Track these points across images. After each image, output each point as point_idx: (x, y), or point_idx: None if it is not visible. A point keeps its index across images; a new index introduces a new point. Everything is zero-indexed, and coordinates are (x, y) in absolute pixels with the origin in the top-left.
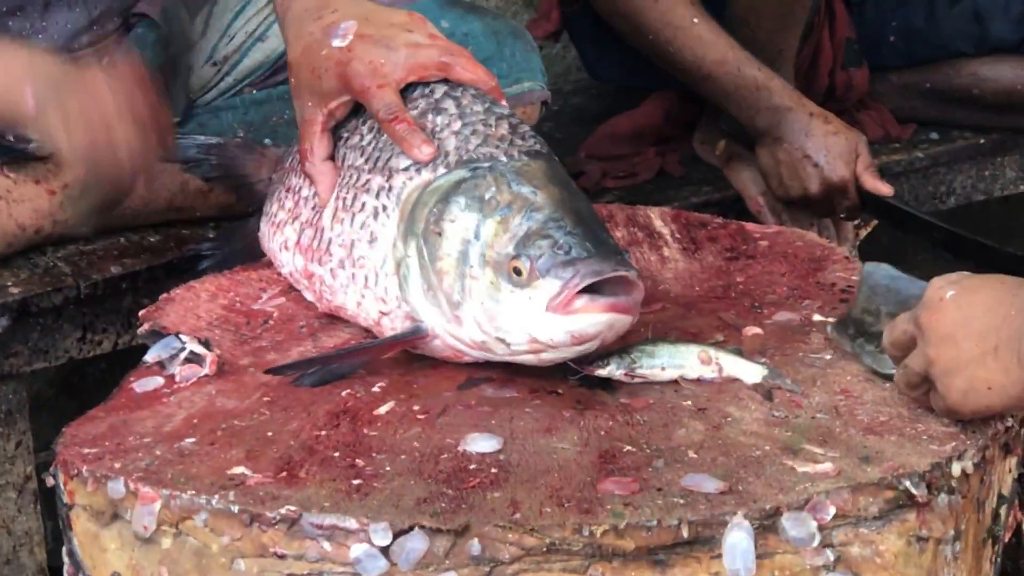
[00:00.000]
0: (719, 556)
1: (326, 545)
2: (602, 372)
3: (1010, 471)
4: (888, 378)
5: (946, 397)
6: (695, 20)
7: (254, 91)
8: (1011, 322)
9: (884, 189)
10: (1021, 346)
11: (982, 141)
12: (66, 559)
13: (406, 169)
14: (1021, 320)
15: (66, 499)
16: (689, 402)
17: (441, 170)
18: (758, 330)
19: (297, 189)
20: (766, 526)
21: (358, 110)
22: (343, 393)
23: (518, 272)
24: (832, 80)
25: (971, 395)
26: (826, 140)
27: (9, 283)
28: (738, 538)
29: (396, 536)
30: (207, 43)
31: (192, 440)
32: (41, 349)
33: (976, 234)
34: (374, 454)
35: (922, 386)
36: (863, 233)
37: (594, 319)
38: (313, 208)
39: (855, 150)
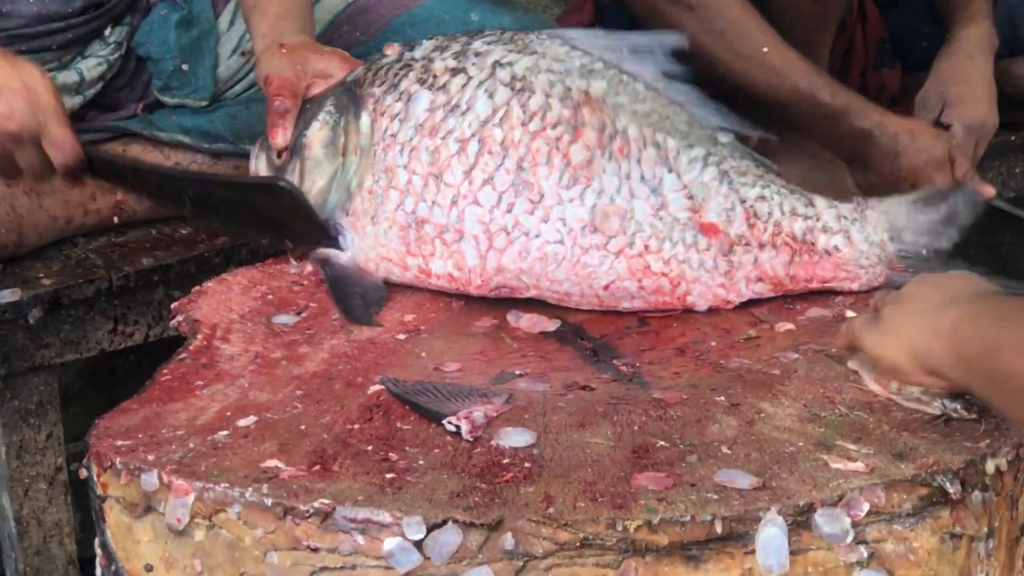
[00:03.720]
0: (752, 552)
1: (359, 539)
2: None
3: None
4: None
5: (870, 329)
6: (765, 49)
7: None
8: (950, 295)
9: (988, 191)
10: (942, 315)
11: (1012, 138)
12: (99, 551)
13: None
14: (959, 296)
15: (99, 491)
16: (722, 398)
17: None
18: (791, 326)
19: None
20: (800, 522)
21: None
22: (376, 387)
23: None
24: (864, 80)
25: (883, 337)
26: (917, 157)
27: (41, 275)
28: (771, 534)
29: (430, 530)
30: (235, 33)
31: (225, 433)
32: (72, 341)
33: None
34: (407, 448)
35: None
36: None
37: None
38: None
39: (947, 158)
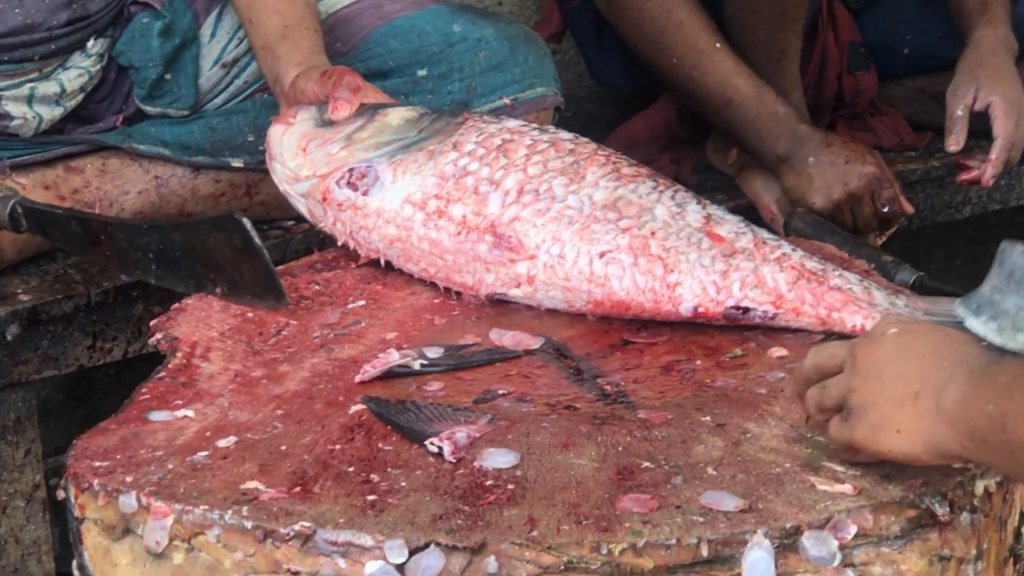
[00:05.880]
0: (739, 575)
1: (341, 562)
2: None
3: None
4: (1015, 353)
5: (854, 429)
6: (717, 45)
7: (265, 95)
8: (940, 371)
9: (907, 208)
10: (941, 396)
11: None
12: (76, 573)
13: None
14: (951, 372)
15: (77, 512)
16: (708, 418)
17: None
18: (784, 352)
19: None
20: (786, 545)
21: None
22: (357, 407)
23: None
24: (840, 84)
25: (879, 434)
26: (847, 145)
27: (19, 290)
28: (758, 557)
29: (412, 553)
30: (217, 45)
31: (205, 453)
32: (51, 357)
33: None
34: (389, 469)
35: (829, 412)
36: (882, 240)
37: None
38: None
39: (881, 168)
